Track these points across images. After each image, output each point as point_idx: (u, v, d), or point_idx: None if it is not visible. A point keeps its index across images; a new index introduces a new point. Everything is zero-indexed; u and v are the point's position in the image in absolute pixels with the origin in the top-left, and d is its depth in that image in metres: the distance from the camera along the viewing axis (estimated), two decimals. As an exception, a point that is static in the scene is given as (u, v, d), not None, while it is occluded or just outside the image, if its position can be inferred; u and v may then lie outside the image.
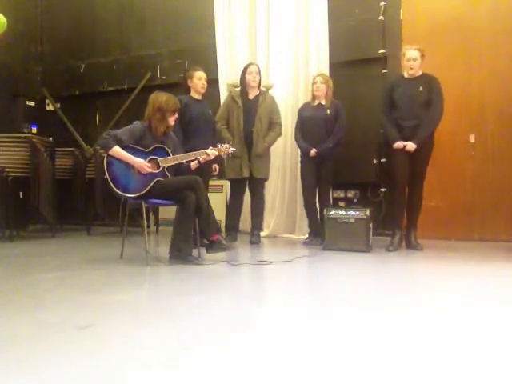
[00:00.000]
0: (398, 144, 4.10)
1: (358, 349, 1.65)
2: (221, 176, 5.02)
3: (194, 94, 4.37)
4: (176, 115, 3.68)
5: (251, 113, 4.67)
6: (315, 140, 4.60)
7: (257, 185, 4.78)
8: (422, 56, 4.15)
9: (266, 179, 4.86)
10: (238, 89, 4.79)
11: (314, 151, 4.56)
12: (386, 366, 1.49)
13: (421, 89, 4.10)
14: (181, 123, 4.08)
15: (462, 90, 4.96)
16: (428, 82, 4.12)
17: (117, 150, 3.44)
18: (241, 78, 4.78)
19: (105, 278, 3.04)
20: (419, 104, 4.09)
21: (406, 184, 4.20)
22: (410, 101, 4.10)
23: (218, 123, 4.69)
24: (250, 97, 4.73)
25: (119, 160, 3.46)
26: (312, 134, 4.62)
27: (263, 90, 4.82)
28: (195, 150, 3.75)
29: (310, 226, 4.80)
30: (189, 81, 4.37)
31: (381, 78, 5.11)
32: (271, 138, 4.74)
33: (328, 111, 4.61)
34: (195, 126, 4.25)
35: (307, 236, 4.84)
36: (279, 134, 4.83)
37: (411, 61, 4.13)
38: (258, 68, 4.77)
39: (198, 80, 4.32)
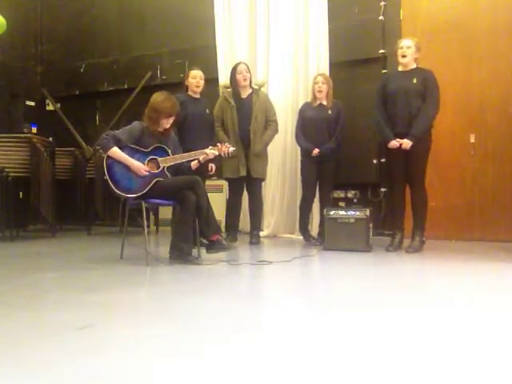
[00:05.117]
0: (393, 143, 4.03)
1: (358, 349, 1.65)
2: (220, 175, 5.01)
3: (191, 93, 4.39)
4: (173, 118, 3.64)
5: (246, 112, 4.64)
6: (317, 141, 4.60)
7: (254, 185, 4.76)
8: (417, 48, 4.05)
9: (263, 179, 4.85)
10: (230, 89, 4.78)
11: (316, 151, 4.56)
12: (386, 366, 1.49)
13: (415, 81, 4.00)
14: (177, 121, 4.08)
15: (462, 90, 4.97)
16: (422, 75, 4.01)
17: (115, 151, 3.44)
18: (231, 79, 4.75)
19: (105, 278, 3.04)
20: (413, 96, 3.98)
21: (403, 184, 4.17)
22: (404, 93, 4.00)
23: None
24: (243, 96, 4.70)
25: (118, 161, 3.46)
26: (314, 135, 4.62)
27: (255, 87, 4.81)
28: (190, 149, 3.74)
29: (300, 226, 4.82)
30: (186, 80, 4.42)
31: (381, 78, 5.11)
32: (268, 136, 4.73)
33: (329, 112, 4.61)
34: (190, 125, 4.25)
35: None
36: (276, 132, 4.81)
37: (404, 48, 4.03)
38: (247, 66, 4.73)
39: (193, 79, 4.35)
